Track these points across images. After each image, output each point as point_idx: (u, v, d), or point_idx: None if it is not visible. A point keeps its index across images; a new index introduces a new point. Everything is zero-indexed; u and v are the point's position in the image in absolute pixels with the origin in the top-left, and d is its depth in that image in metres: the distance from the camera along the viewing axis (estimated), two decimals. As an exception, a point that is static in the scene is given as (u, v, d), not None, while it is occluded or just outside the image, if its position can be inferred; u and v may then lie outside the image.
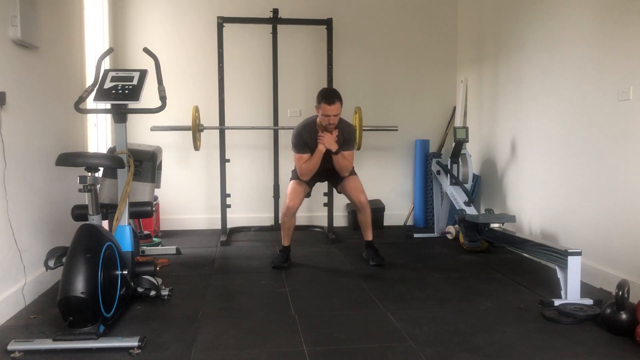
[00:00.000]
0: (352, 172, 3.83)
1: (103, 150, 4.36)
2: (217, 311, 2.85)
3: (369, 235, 3.84)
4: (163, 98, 2.99)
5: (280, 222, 3.81)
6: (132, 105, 2.97)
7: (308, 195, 3.92)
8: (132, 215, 3.03)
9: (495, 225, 3.79)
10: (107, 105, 3.03)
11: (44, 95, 3.18)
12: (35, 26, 2.97)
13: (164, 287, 3.01)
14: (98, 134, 4.41)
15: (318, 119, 3.62)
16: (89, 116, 4.04)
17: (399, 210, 5.43)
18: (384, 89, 5.32)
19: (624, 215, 3.06)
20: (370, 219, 3.83)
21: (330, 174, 3.83)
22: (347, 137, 3.69)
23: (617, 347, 2.37)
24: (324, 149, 3.60)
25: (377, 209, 5.05)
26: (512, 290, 3.21)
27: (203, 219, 5.13)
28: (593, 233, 3.31)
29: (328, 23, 4.79)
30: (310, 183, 3.86)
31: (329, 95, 3.52)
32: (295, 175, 3.83)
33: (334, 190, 4.09)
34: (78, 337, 2.29)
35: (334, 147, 3.60)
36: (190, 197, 5.12)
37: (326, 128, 3.59)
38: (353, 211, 5.11)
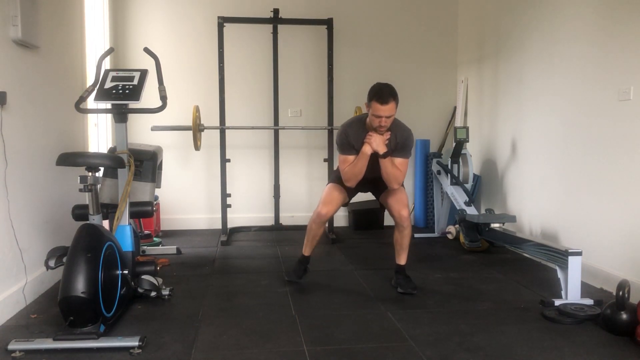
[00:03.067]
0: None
1: (103, 150, 4.36)
2: (218, 311, 2.85)
3: (402, 259, 3.26)
4: (163, 98, 2.99)
5: (307, 227, 3.33)
6: (132, 105, 2.97)
7: (345, 204, 3.42)
8: (133, 215, 3.03)
9: (495, 225, 3.79)
10: (107, 105, 3.03)
11: (44, 95, 3.19)
12: (35, 26, 2.97)
13: (164, 287, 3.01)
14: (98, 134, 4.41)
15: (368, 119, 3.09)
16: (90, 116, 4.04)
17: (399, 210, 5.42)
18: (385, 89, 5.30)
19: (625, 215, 3.06)
20: (409, 241, 3.24)
21: (375, 183, 3.28)
22: (402, 143, 3.13)
23: (617, 347, 2.37)
24: (370, 150, 3.05)
25: (377, 209, 5.02)
26: (512, 290, 3.21)
27: (203, 218, 5.13)
28: (593, 233, 3.31)
29: (328, 23, 4.79)
30: (352, 192, 3.34)
31: (382, 93, 2.96)
32: (334, 178, 3.34)
33: (377, 200, 3.42)
34: (78, 337, 2.30)
35: (381, 149, 3.04)
36: (191, 197, 5.13)
37: (376, 130, 3.06)
38: (353, 211, 5.11)
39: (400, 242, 3.24)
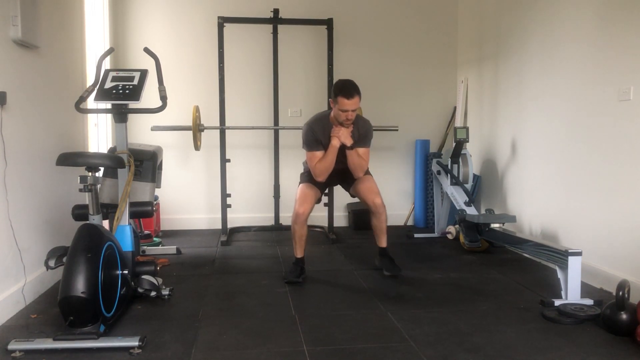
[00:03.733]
0: (367, 172, 3.51)
1: (103, 150, 4.36)
2: (217, 311, 2.85)
3: (382, 242, 3.51)
4: (163, 98, 2.99)
5: (291, 230, 3.45)
6: (132, 105, 2.97)
7: (318, 200, 3.59)
8: (133, 215, 3.03)
9: (495, 226, 3.79)
10: (107, 105, 3.03)
11: (44, 95, 3.19)
12: (35, 26, 2.97)
13: (164, 287, 3.01)
14: (98, 134, 4.41)
15: (332, 114, 3.30)
16: (90, 116, 4.04)
17: (400, 210, 5.43)
18: (385, 89, 5.32)
19: (625, 215, 3.06)
20: (386, 225, 3.48)
21: (343, 175, 3.49)
22: (363, 133, 3.37)
23: (617, 347, 2.37)
24: (338, 143, 3.26)
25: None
26: (512, 290, 3.21)
27: (203, 218, 5.13)
28: (593, 233, 3.31)
29: (328, 23, 4.80)
30: (322, 187, 3.56)
31: (347, 88, 3.20)
32: (305, 179, 3.53)
33: (347, 192, 3.68)
34: (78, 337, 2.29)
35: (348, 141, 3.27)
36: (191, 197, 5.13)
37: (342, 124, 3.27)
38: (353, 211, 5.12)
39: (379, 227, 3.47)
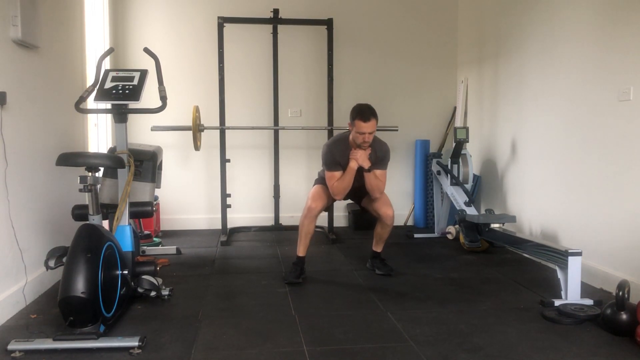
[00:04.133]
0: None
1: (103, 150, 4.36)
2: (217, 311, 2.85)
3: (379, 248, 3.64)
4: (163, 98, 2.99)
5: (299, 225, 3.49)
6: (132, 105, 2.97)
7: (328, 208, 3.70)
8: (133, 215, 3.03)
9: (495, 226, 3.79)
10: (107, 105, 3.03)
11: (44, 95, 3.19)
12: (35, 26, 2.97)
13: (164, 287, 3.01)
14: (98, 134, 4.41)
15: (351, 136, 3.38)
16: (90, 116, 4.04)
17: (399, 210, 5.41)
18: (385, 89, 5.32)
19: (625, 215, 3.06)
20: (388, 235, 3.59)
21: (357, 192, 3.56)
22: (380, 156, 3.45)
23: (617, 347, 2.37)
24: (356, 165, 3.34)
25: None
26: (512, 291, 3.21)
27: (203, 219, 5.13)
28: (593, 233, 3.31)
29: (328, 23, 4.79)
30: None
31: (364, 112, 3.28)
32: (320, 181, 3.60)
33: (359, 205, 3.74)
34: (78, 337, 2.29)
35: (366, 164, 3.35)
36: (191, 197, 5.13)
37: (360, 146, 3.35)
38: (353, 211, 5.12)
39: (381, 235, 3.58)
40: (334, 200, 3.62)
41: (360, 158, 3.36)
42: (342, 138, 3.51)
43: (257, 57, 5.08)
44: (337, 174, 3.42)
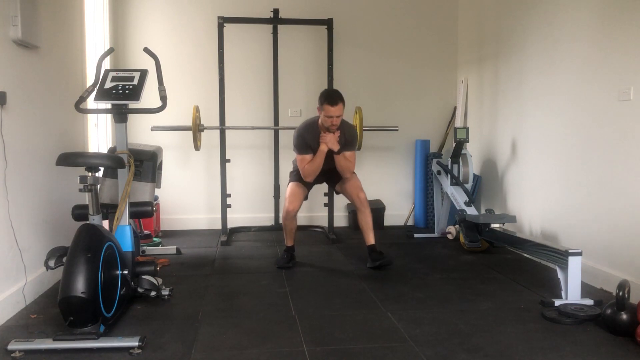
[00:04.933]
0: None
1: (103, 150, 4.36)
2: (217, 311, 2.85)
3: (370, 239, 3.69)
4: (163, 98, 2.99)
5: (282, 224, 3.80)
6: (132, 105, 2.97)
7: (306, 197, 3.84)
8: (133, 215, 3.03)
9: (495, 226, 3.79)
10: (107, 105, 3.03)
11: (44, 95, 3.19)
12: (35, 26, 2.97)
13: (164, 287, 3.01)
14: (98, 134, 4.41)
15: (320, 120, 3.60)
16: (90, 116, 4.04)
17: (400, 210, 5.43)
18: (385, 89, 5.32)
19: (625, 215, 3.06)
20: (371, 220, 3.70)
21: (329, 174, 3.80)
22: (349, 138, 3.67)
23: (617, 347, 2.37)
24: (326, 148, 3.57)
25: (378, 209, 5.06)
26: (512, 291, 3.21)
27: (203, 219, 5.13)
28: (593, 233, 3.31)
29: (328, 23, 4.79)
30: (309, 185, 3.82)
31: (331, 96, 3.50)
32: (294, 178, 3.80)
33: (333, 190, 4.02)
34: (78, 337, 2.29)
35: (335, 147, 3.57)
36: (191, 197, 5.13)
37: (328, 129, 3.57)
38: (353, 211, 5.10)
39: (365, 222, 3.70)
40: (309, 190, 3.83)
41: (329, 141, 3.56)
42: (312, 122, 3.69)
43: (257, 57, 5.08)
44: (308, 157, 3.64)
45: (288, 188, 3.78)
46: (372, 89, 5.27)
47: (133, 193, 3.14)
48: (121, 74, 3.03)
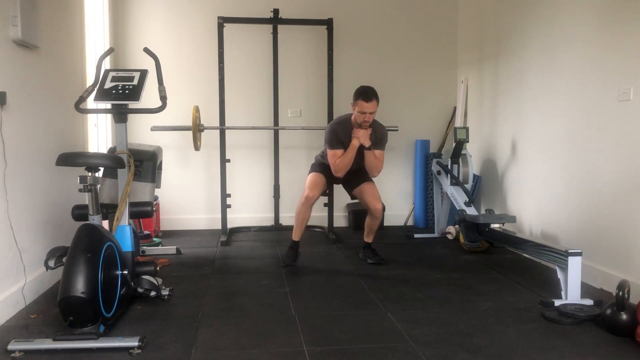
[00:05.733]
0: (370, 179, 3.81)
1: (103, 150, 4.36)
2: (217, 311, 2.85)
3: (370, 238, 3.89)
4: (163, 98, 2.99)
5: (295, 213, 3.75)
6: (132, 105, 2.97)
7: (324, 192, 3.90)
8: (133, 215, 3.03)
9: (495, 226, 3.79)
10: (107, 105, 3.03)
11: (44, 95, 3.19)
12: (35, 26, 2.97)
13: (164, 287, 3.01)
14: (98, 134, 4.41)
15: (353, 117, 3.63)
16: (89, 116, 4.04)
17: (400, 210, 5.43)
18: (385, 89, 5.26)
19: (625, 215, 3.06)
20: (378, 226, 3.87)
21: (350, 175, 3.77)
22: (380, 137, 3.70)
23: (617, 347, 2.37)
24: (357, 143, 3.59)
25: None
26: (512, 291, 3.21)
27: (203, 219, 5.13)
28: (593, 233, 3.31)
29: (328, 23, 4.79)
30: (329, 180, 3.84)
31: (366, 93, 3.54)
32: (315, 168, 3.84)
33: (348, 193, 3.96)
34: (78, 337, 2.29)
35: (367, 142, 3.59)
36: (191, 197, 5.12)
37: (361, 125, 3.59)
38: (353, 211, 5.11)
39: (372, 227, 3.86)
40: (327, 188, 3.89)
41: (362, 137, 3.59)
42: (345, 119, 3.73)
43: (257, 57, 5.08)
44: (339, 151, 3.66)
45: (309, 177, 3.79)
46: (372, 89, 5.26)
47: (133, 193, 3.14)
48: (121, 74, 3.03)
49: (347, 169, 3.65)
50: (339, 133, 3.66)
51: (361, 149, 3.61)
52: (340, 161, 3.64)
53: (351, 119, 3.66)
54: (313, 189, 3.68)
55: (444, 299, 3.04)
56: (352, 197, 3.94)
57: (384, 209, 5.12)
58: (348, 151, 3.62)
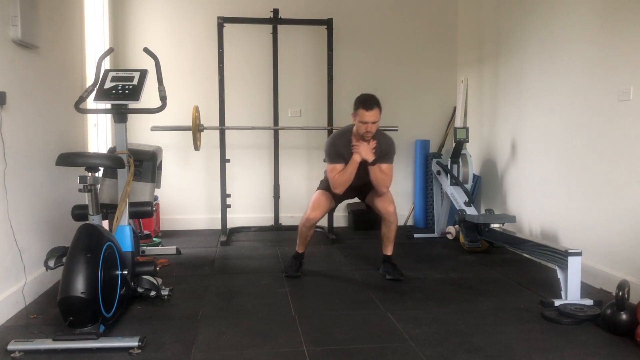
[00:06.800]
0: None
1: (103, 150, 4.36)
2: (217, 311, 2.85)
3: (389, 250, 3.55)
4: (163, 98, 2.99)
5: (298, 229, 3.56)
6: (132, 105, 2.97)
7: (332, 210, 3.61)
8: (132, 215, 3.03)
9: (495, 226, 3.78)
10: (107, 105, 3.03)
11: (44, 95, 3.18)
12: (35, 26, 2.97)
13: (164, 287, 3.01)
14: (98, 134, 4.41)
15: (354, 128, 3.33)
16: (89, 116, 4.04)
17: (399, 210, 5.31)
18: (385, 89, 5.28)
19: (625, 215, 3.06)
20: (395, 233, 3.52)
21: (360, 190, 3.53)
22: (385, 150, 3.38)
23: (617, 347, 2.37)
24: (359, 158, 3.28)
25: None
26: (512, 291, 3.21)
27: (203, 219, 5.13)
28: (593, 233, 3.31)
29: (328, 23, 4.79)
30: (338, 198, 3.56)
31: (367, 101, 3.24)
32: (323, 186, 3.54)
33: (364, 202, 3.68)
34: (78, 337, 2.29)
35: (370, 157, 3.28)
36: (191, 197, 5.12)
37: (363, 137, 3.29)
38: (353, 211, 5.12)
39: (388, 235, 3.51)
40: (337, 203, 3.60)
41: (363, 151, 3.28)
42: (346, 131, 3.43)
43: (257, 57, 5.08)
44: (339, 166, 3.36)
45: (314, 195, 3.53)
46: (371, 89, 5.16)
47: (133, 193, 3.14)
48: (121, 74, 3.03)
49: (346, 184, 3.36)
50: (339, 146, 3.37)
51: (365, 164, 3.30)
52: (339, 177, 3.34)
53: (352, 131, 3.37)
54: (315, 209, 3.43)
55: (444, 299, 3.04)
56: (368, 207, 3.65)
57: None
58: (348, 166, 3.31)
